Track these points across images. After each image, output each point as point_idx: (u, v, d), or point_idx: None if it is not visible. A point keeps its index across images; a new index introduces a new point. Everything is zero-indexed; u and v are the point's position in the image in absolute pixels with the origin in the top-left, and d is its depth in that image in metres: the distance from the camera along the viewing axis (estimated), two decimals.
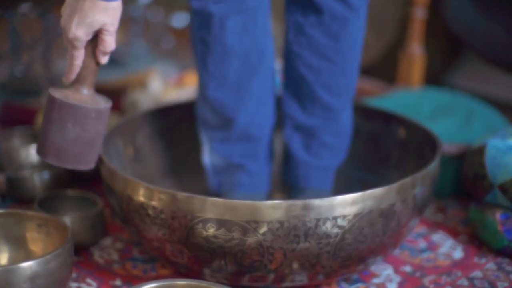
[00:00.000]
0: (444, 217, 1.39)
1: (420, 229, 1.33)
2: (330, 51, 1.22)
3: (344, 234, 1.03)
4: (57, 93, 1.05)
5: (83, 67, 1.05)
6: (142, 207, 1.06)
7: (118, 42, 2.32)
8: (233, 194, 1.25)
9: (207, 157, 1.28)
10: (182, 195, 1.03)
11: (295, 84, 1.26)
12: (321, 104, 1.25)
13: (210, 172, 1.28)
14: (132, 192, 1.07)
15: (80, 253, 1.23)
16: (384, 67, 2.11)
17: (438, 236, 1.32)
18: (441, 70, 2.14)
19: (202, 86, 1.21)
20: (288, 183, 1.32)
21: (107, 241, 1.28)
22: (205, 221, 1.02)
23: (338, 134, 1.29)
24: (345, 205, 1.02)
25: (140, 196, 1.06)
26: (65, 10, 1.03)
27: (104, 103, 1.07)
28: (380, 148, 1.39)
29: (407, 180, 1.07)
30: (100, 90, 2.02)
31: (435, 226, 1.35)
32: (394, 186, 1.06)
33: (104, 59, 1.06)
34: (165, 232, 1.05)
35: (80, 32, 1.01)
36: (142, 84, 1.97)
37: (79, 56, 1.04)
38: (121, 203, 1.11)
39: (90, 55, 1.04)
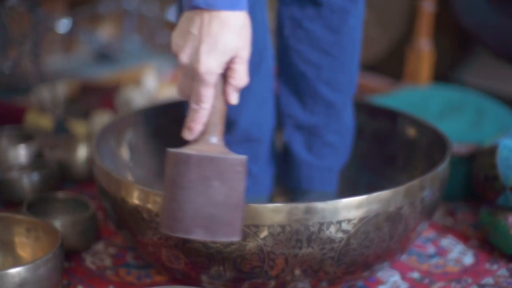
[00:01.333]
0: (454, 221, 1.39)
1: (429, 233, 1.33)
2: (330, 45, 1.22)
3: (349, 239, 1.03)
4: (184, 150, 0.91)
5: (212, 112, 0.92)
6: (137, 210, 1.06)
7: (110, 36, 2.33)
8: None
9: None
10: None
11: (294, 81, 1.26)
12: (323, 101, 1.25)
13: None
14: (126, 195, 1.07)
15: (71, 258, 1.23)
16: (390, 63, 2.11)
17: (447, 241, 1.32)
18: (450, 67, 2.14)
19: None
20: (290, 185, 1.32)
21: (99, 246, 1.28)
22: None
23: (341, 132, 1.29)
24: (350, 209, 1.02)
25: (135, 198, 1.06)
26: (180, 37, 0.91)
27: (238, 155, 0.93)
28: (386, 148, 1.39)
29: (415, 182, 1.07)
30: (92, 87, 2.03)
31: (444, 230, 1.35)
32: (401, 188, 1.06)
33: (235, 97, 0.93)
34: (161, 236, 1.05)
35: (213, 62, 0.89)
36: (136, 81, 1.97)
37: (210, 96, 0.91)
38: (115, 206, 1.11)
39: (219, 94, 0.92)
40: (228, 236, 0.93)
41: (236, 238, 0.93)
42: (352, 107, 1.31)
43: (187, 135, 0.94)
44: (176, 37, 0.92)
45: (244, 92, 1.20)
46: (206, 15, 0.90)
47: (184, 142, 1.34)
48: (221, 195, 0.90)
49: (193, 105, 0.92)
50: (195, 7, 0.90)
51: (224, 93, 0.94)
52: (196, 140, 0.94)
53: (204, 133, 0.94)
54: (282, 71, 1.27)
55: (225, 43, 0.89)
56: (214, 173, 0.90)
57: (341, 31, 1.21)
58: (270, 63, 1.23)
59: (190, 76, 0.92)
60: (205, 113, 0.92)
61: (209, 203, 0.90)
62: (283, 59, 1.26)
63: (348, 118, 1.29)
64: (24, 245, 1.14)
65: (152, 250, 1.09)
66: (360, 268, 1.08)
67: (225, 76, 0.92)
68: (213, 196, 0.90)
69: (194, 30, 0.90)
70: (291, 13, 1.23)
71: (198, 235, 0.91)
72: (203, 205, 0.90)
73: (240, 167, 0.91)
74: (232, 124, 1.21)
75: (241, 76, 0.93)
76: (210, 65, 0.89)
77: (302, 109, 1.27)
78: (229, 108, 1.20)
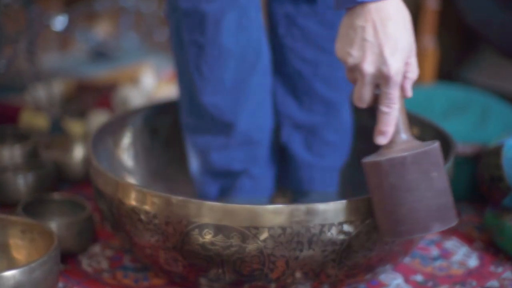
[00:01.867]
0: (458, 223, 1.39)
1: (432, 235, 1.33)
2: (326, 41, 1.22)
3: (351, 241, 1.03)
4: (389, 155, 0.95)
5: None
6: (134, 211, 1.06)
7: (107, 34, 2.33)
8: (233, 199, 1.25)
9: (197, 166, 1.27)
10: (176, 198, 1.03)
11: (290, 80, 1.26)
12: (320, 99, 1.25)
13: (205, 182, 1.27)
14: (123, 196, 1.07)
15: (67, 261, 1.23)
16: None
17: (451, 243, 1.32)
18: (455, 65, 2.14)
19: (194, 92, 1.20)
20: (290, 186, 1.32)
21: (96, 248, 1.28)
22: (202, 226, 1.02)
23: (340, 130, 1.29)
24: (352, 210, 1.02)
25: (132, 200, 1.06)
26: (354, 49, 0.93)
27: (429, 142, 0.98)
28: None
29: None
30: (88, 86, 2.03)
31: (448, 232, 1.35)
32: None
33: (411, 91, 0.97)
34: (159, 238, 1.05)
35: (399, 63, 0.92)
36: (133, 80, 1.97)
37: (399, 96, 0.95)
38: (111, 207, 1.11)
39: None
40: (455, 219, 0.96)
41: (457, 220, 0.97)
42: (351, 105, 1.31)
43: (381, 140, 0.97)
44: (348, 49, 0.94)
45: (241, 94, 1.20)
46: (378, 20, 0.92)
47: (182, 140, 1.35)
48: (442, 183, 0.94)
49: (385, 109, 0.95)
50: (363, 2, 0.92)
51: (402, 89, 0.96)
52: (390, 143, 0.97)
53: (395, 133, 0.97)
54: (277, 70, 1.27)
55: (404, 41, 0.92)
56: (430, 164, 0.94)
57: (336, 27, 1.21)
58: (266, 62, 1.22)
59: (375, 83, 0.94)
60: (396, 113, 0.96)
61: (436, 194, 0.94)
62: (278, 58, 1.26)
63: (347, 115, 1.29)
64: (19, 247, 1.14)
65: (150, 252, 1.09)
66: (362, 271, 1.08)
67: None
68: (436, 187, 0.94)
69: (370, 37, 0.92)
70: (285, 11, 1.23)
71: (436, 228, 0.95)
72: (432, 198, 0.93)
73: (440, 151, 0.96)
74: (230, 127, 1.21)
75: (416, 68, 0.96)
76: (398, 66, 0.92)
77: (300, 108, 1.27)
78: (227, 111, 1.20)
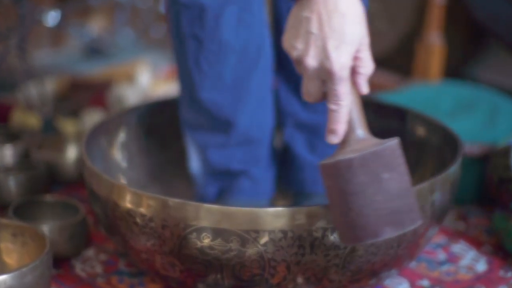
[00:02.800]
0: (466, 226, 1.39)
1: (439, 239, 1.33)
2: None
3: (355, 245, 1.03)
4: (339, 157, 0.92)
5: (350, 108, 0.94)
6: (129, 214, 1.06)
7: (101, 30, 2.33)
8: (232, 201, 1.25)
9: (196, 165, 1.27)
10: (173, 201, 1.02)
11: (294, 77, 1.26)
12: None
13: (203, 181, 1.27)
14: (118, 198, 1.07)
15: (60, 265, 1.23)
16: (399, 59, 2.11)
17: (459, 247, 1.32)
18: (463, 62, 2.14)
19: (193, 88, 1.20)
20: (292, 188, 1.32)
21: (90, 252, 1.28)
22: (200, 230, 1.02)
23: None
24: None
25: (127, 202, 1.06)
26: (298, 41, 0.92)
27: (386, 140, 0.94)
28: None
29: (424, 185, 1.07)
30: (82, 84, 2.02)
31: (455, 235, 1.35)
32: None
33: (366, 87, 0.94)
34: (155, 242, 1.05)
35: (344, 57, 0.90)
36: (129, 77, 1.97)
37: (347, 92, 0.92)
38: (106, 210, 1.11)
39: (351, 88, 0.94)
40: (413, 222, 0.93)
41: (419, 222, 0.93)
42: None
43: (332, 138, 0.95)
44: (292, 41, 0.93)
45: (242, 91, 1.20)
46: (323, 12, 0.90)
47: (180, 140, 1.34)
48: (394, 185, 0.91)
49: (332, 106, 0.93)
50: None
51: (354, 84, 0.94)
52: (343, 142, 0.95)
53: (349, 132, 0.95)
54: (281, 67, 1.27)
55: (351, 34, 0.90)
56: (381, 166, 0.91)
57: None
58: (268, 59, 1.22)
59: (320, 77, 0.93)
60: (346, 111, 0.93)
61: (387, 197, 0.91)
62: (282, 55, 1.26)
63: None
64: (10, 251, 1.14)
65: (146, 256, 1.09)
66: (366, 276, 1.08)
67: (352, 67, 0.93)
68: (388, 189, 0.91)
69: (314, 30, 0.90)
70: (289, 6, 1.22)
71: (388, 234, 0.92)
72: (382, 202, 0.91)
73: (398, 150, 0.92)
74: (229, 125, 1.21)
75: (369, 64, 0.94)
76: (342, 61, 0.90)
77: (303, 107, 1.27)
78: (227, 108, 1.20)
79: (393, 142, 0.93)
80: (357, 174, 0.91)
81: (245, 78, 1.19)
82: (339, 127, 0.94)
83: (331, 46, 0.90)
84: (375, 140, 0.95)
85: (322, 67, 0.91)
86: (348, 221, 0.93)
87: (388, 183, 0.91)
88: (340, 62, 0.90)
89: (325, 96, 0.96)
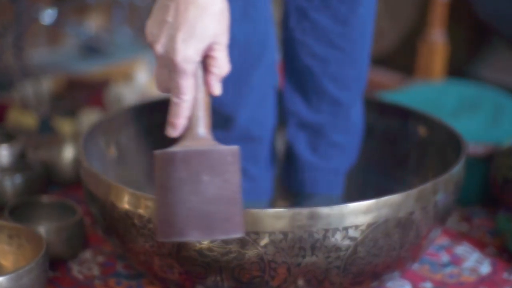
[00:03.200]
0: (470, 227, 1.39)
1: (442, 240, 1.33)
2: (338, 37, 1.22)
3: (356, 246, 1.03)
4: (170, 149, 0.91)
5: (194, 105, 0.93)
6: (127, 215, 1.06)
7: (99, 28, 2.32)
8: None
9: None
10: None
11: (299, 76, 1.26)
12: (329, 98, 1.25)
13: None
14: (116, 199, 1.07)
15: (57, 267, 1.23)
16: (401, 57, 2.11)
17: (462, 249, 1.32)
18: (466, 60, 2.14)
19: None
20: (292, 189, 1.32)
21: (87, 254, 1.28)
22: None
23: (348, 132, 1.29)
24: (358, 214, 1.02)
25: (125, 203, 1.06)
26: (154, 27, 0.92)
27: (226, 146, 0.93)
28: (396, 149, 1.39)
29: (427, 186, 1.07)
30: (79, 83, 2.02)
31: (459, 237, 1.35)
32: (412, 192, 1.05)
33: (218, 88, 0.94)
34: (153, 244, 1.05)
35: (190, 51, 0.89)
36: (126, 76, 1.97)
37: (190, 87, 0.92)
38: (103, 211, 1.11)
39: (200, 85, 0.93)
40: (228, 232, 0.92)
41: (238, 234, 0.92)
42: (362, 106, 1.31)
43: (171, 132, 0.94)
44: (150, 27, 0.93)
45: (243, 87, 1.20)
46: (182, 2, 0.90)
47: (174, 143, 1.34)
48: (213, 190, 0.90)
49: (174, 99, 0.93)
50: None
51: (206, 84, 0.94)
52: (181, 138, 0.94)
53: (189, 129, 0.94)
54: (287, 65, 1.27)
55: (203, 29, 0.90)
56: (203, 167, 0.90)
57: (350, 22, 1.21)
58: (272, 56, 1.23)
59: (167, 67, 0.92)
60: (187, 105, 0.93)
61: (202, 200, 0.90)
62: (288, 53, 1.26)
63: (356, 116, 1.29)
64: (5, 253, 1.14)
65: (144, 258, 1.09)
66: (368, 278, 1.08)
67: (205, 65, 0.93)
68: (205, 192, 0.90)
69: (169, 18, 0.90)
70: (297, 3, 1.23)
71: (194, 236, 0.91)
72: (196, 203, 0.90)
73: (231, 157, 0.91)
74: (229, 121, 1.21)
75: (222, 64, 0.93)
76: (187, 53, 0.90)
77: (307, 106, 1.27)
78: (227, 103, 1.20)
79: (226, 148, 0.92)
80: (177, 169, 0.90)
81: (247, 73, 1.19)
82: (178, 121, 0.93)
83: (179, 37, 0.90)
84: (213, 143, 0.94)
85: (168, 57, 0.91)
86: (161, 215, 0.92)
87: (207, 186, 0.90)
88: (184, 55, 0.90)
89: None
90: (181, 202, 0.90)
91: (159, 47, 0.91)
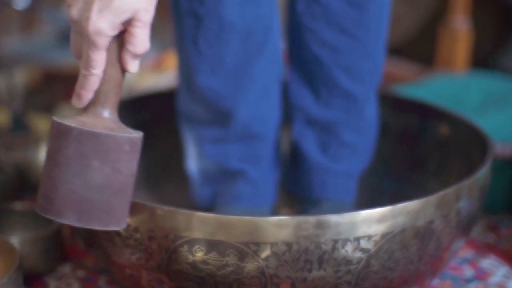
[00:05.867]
0: (497, 238, 1.39)
1: (466, 252, 1.33)
2: (351, 24, 1.22)
3: (369, 259, 1.03)
4: (68, 121, 0.94)
5: (104, 80, 0.96)
6: None
7: None
8: (229, 208, 1.25)
9: (194, 163, 1.27)
10: (162, 209, 1.02)
11: (307, 66, 1.27)
12: (341, 91, 1.26)
13: (198, 181, 1.28)
14: None
15: (32, 283, 1.23)
16: (420, 46, 2.11)
17: (488, 262, 1.32)
18: (492, 50, 2.14)
19: (190, 71, 1.21)
20: (298, 193, 1.32)
21: (66, 268, 1.28)
22: (192, 242, 1.02)
23: (362, 131, 1.29)
24: (371, 223, 1.02)
25: None
26: None
27: (134, 132, 0.98)
28: (415, 149, 1.39)
29: (449, 191, 1.07)
30: (56, 75, 2.02)
31: (485, 249, 1.35)
32: (432, 198, 1.06)
33: (133, 66, 0.97)
34: (141, 256, 1.05)
35: (104, 23, 0.92)
36: None
37: (100, 61, 0.94)
38: None
39: (114, 60, 0.95)
40: (106, 224, 0.96)
41: (116, 228, 0.97)
42: (377, 101, 1.31)
43: (76, 102, 0.97)
44: None
45: (244, 79, 1.20)
46: None
47: (170, 138, 1.35)
48: (100, 178, 0.93)
49: (83, 70, 0.95)
50: None
51: (120, 60, 0.96)
52: (84, 111, 0.97)
53: (94, 103, 0.96)
54: (293, 55, 1.27)
55: (121, 2, 0.92)
56: (95, 151, 0.93)
57: (364, 7, 1.21)
58: (276, 44, 1.23)
59: (80, 35, 0.95)
60: (95, 79, 0.95)
61: (86, 185, 0.93)
62: (295, 40, 1.26)
63: (370, 113, 1.30)
64: None
65: (130, 272, 1.09)
66: None
67: (122, 41, 0.95)
68: (91, 178, 0.93)
69: None
70: None
71: (70, 220, 0.94)
72: (79, 187, 0.93)
73: (128, 146, 0.95)
74: (228, 117, 1.21)
75: (140, 42, 0.95)
76: (100, 26, 0.92)
77: (316, 101, 1.27)
78: (225, 97, 1.20)
79: (123, 136, 0.95)
80: (68, 146, 0.93)
81: (248, 64, 1.19)
82: (84, 94, 0.96)
83: (95, 6, 0.92)
84: (115, 126, 0.97)
85: (80, 24, 0.93)
86: (44, 188, 0.95)
87: (94, 171, 0.93)
88: (96, 27, 0.92)
89: None
90: (64, 181, 0.93)
91: (74, 11, 0.94)
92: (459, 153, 1.33)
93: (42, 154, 1.49)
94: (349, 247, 1.02)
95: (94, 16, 0.92)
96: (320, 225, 1.00)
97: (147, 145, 1.41)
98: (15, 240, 1.20)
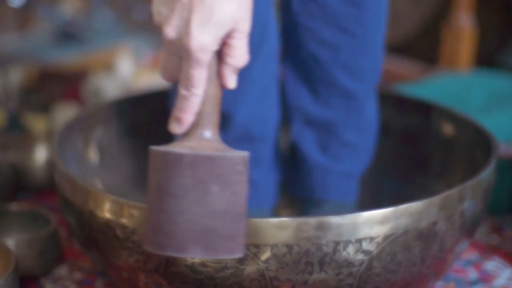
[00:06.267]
0: (501, 239, 1.39)
1: (470, 254, 1.33)
2: (350, 21, 1.22)
3: (371, 261, 1.03)
4: (173, 148, 0.90)
5: (204, 100, 0.92)
6: (108, 226, 1.06)
7: (75, 11, 2.32)
8: None
9: None
10: None
11: (304, 66, 1.27)
12: (340, 90, 1.26)
13: None
14: (95, 207, 1.07)
15: (28, 285, 1.23)
16: (422, 45, 2.11)
17: (493, 264, 1.32)
18: (497, 48, 2.14)
19: None
20: (298, 195, 1.32)
21: (62, 270, 1.28)
22: None
23: (362, 129, 1.29)
24: (373, 224, 1.02)
25: (106, 211, 1.06)
26: (164, 5, 0.90)
27: (237, 151, 0.92)
28: (417, 149, 1.39)
29: (452, 192, 1.07)
30: (53, 74, 2.02)
31: (489, 250, 1.35)
32: (436, 199, 1.06)
33: (233, 81, 0.93)
34: (138, 258, 1.05)
35: (207, 37, 0.88)
36: (107, 66, 1.97)
37: (203, 79, 0.90)
38: (81, 220, 1.11)
39: (213, 77, 0.92)
40: (231, 252, 0.91)
41: (239, 255, 0.92)
42: (377, 100, 1.31)
43: (176, 128, 0.94)
44: (159, 4, 0.91)
45: (242, 80, 1.20)
46: None
47: (169, 140, 1.34)
48: (222, 203, 0.89)
49: (183, 91, 0.92)
50: None
51: (219, 76, 0.93)
52: (185, 135, 0.93)
53: (195, 126, 0.93)
54: (289, 54, 1.27)
55: (222, 13, 0.89)
56: (212, 176, 0.89)
57: (362, 4, 1.22)
58: (273, 44, 1.23)
59: (178, 54, 0.92)
60: (197, 100, 0.92)
61: (208, 213, 0.89)
62: (291, 40, 1.26)
63: (370, 112, 1.30)
64: None
65: (128, 275, 1.09)
66: None
67: (220, 55, 0.92)
68: (212, 205, 0.89)
69: None
70: None
71: (195, 253, 0.90)
72: (201, 216, 0.89)
73: (242, 166, 0.90)
74: (227, 119, 1.21)
75: (240, 54, 0.92)
76: (203, 40, 0.88)
77: (314, 100, 1.27)
78: (224, 99, 1.20)
79: (238, 155, 0.90)
80: (182, 174, 0.89)
81: (246, 65, 1.19)
82: (185, 117, 0.92)
83: (195, 21, 0.88)
84: (221, 146, 0.93)
85: (180, 42, 0.90)
86: (158, 223, 0.91)
87: (215, 197, 0.89)
88: (200, 42, 0.89)
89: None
90: (183, 213, 0.89)
91: (170, 30, 0.90)
92: (463, 153, 1.33)
93: (38, 154, 1.49)
94: (350, 249, 1.02)
95: (195, 31, 0.88)
96: (321, 227, 1.00)
97: (146, 145, 1.41)
98: (11, 242, 1.20)
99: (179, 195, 0.89)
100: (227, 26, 0.89)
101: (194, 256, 0.91)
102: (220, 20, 0.88)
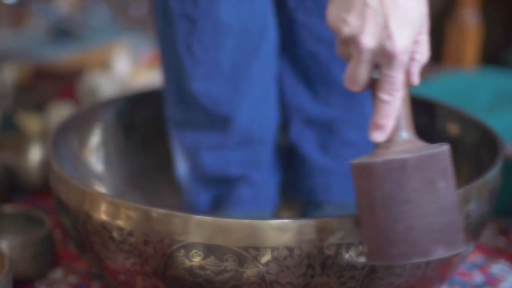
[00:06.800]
0: (508, 242, 1.39)
1: (476, 257, 1.33)
2: None
3: (374, 264, 1.03)
4: (385, 157, 0.92)
5: (402, 101, 0.94)
6: (105, 228, 1.06)
7: (71, 7, 2.33)
8: (229, 212, 1.25)
9: (185, 170, 1.27)
10: (157, 212, 1.02)
11: (302, 64, 1.26)
12: (340, 88, 1.25)
13: (194, 188, 1.27)
14: (91, 208, 1.07)
15: None
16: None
17: (498, 268, 1.32)
18: (503, 45, 2.14)
19: (183, 78, 1.20)
20: (299, 196, 1.32)
21: (57, 274, 1.28)
22: (189, 246, 1.02)
23: (363, 128, 1.29)
24: None
25: (102, 213, 1.06)
26: (352, 15, 0.91)
27: (437, 145, 0.94)
28: None
29: (458, 193, 1.07)
30: (48, 72, 2.02)
31: (495, 253, 1.35)
32: None
33: (418, 77, 0.96)
34: (135, 261, 1.05)
35: (407, 39, 0.90)
36: (103, 64, 1.97)
37: (404, 81, 0.93)
38: (76, 222, 1.11)
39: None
40: (463, 244, 0.93)
41: (464, 246, 0.95)
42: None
43: (378, 136, 0.95)
44: (344, 16, 0.92)
45: (242, 80, 1.20)
46: None
47: (166, 140, 1.34)
48: (450, 197, 0.91)
49: (386, 97, 0.93)
50: None
51: (407, 74, 0.95)
52: (388, 141, 0.95)
53: (396, 130, 0.95)
54: (287, 53, 1.27)
55: (415, 12, 0.91)
56: (437, 172, 0.91)
57: None
58: (272, 43, 1.23)
59: (374, 61, 0.93)
60: (399, 103, 0.93)
61: (441, 210, 0.91)
62: (288, 38, 1.26)
63: (371, 110, 1.29)
64: None
65: (124, 278, 1.09)
66: None
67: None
68: (444, 201, 0.91)
69: (373, 3, 0.90)
70: None
71: (439, 253, 0.91)
72: (436, 214, 0.91)
73: (450, 157, 0.92)
74: (227, 122, 1.21)
75: (427, 49, 0.95)
76: (405, 42, 0.90)
77: (314, 99, 1.27)
78: (224, 102, 1.20)
79: (447, 147, 0.93)
80: (411, 178, 0.91)
81: (245, 66, 1.19)
82: (388, 122, 0.94)
83: (394, 24, 0.90)
84: (422, 144, 0.95)
85: (382, 49, 0.91)
86: (391, 234, 0.92)
87: (443, 193, 0.91)
88: (403, 44, 0.90)
89: (374, 85, 0.96)
90: (420, 216, 0.91)
91: (368, 39, 0.91)
92: (468, 153, 1.33)
93: (32, 155, 1.49)
94: (353, 252, 1.01)
95: (396, 34, 0.90)
96: (323, 229, 1.00)
97: (143, 146, 1.41)
98: (4, 244, 1.20)
99: (412, 200, 0.91)
100: (419, 23, 0.92)
101: (439, 256, 0.92)
102: (415, 19, 0.91)
